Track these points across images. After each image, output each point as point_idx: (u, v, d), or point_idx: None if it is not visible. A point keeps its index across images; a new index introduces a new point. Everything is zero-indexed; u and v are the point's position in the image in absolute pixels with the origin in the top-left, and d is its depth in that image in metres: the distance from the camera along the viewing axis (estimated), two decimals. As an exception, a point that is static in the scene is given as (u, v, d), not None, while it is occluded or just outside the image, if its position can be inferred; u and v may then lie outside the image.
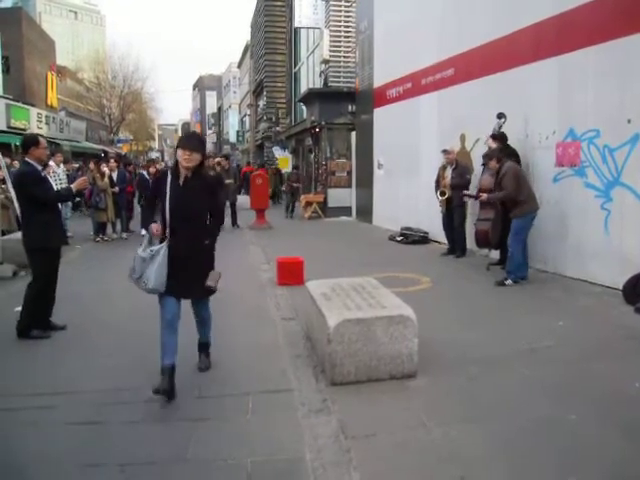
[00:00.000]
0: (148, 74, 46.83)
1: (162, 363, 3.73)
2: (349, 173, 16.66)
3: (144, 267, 3.79)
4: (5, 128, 20.55)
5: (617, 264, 6.29)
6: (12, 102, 22.14)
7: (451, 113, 10.02)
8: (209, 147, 73.35)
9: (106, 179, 11.67)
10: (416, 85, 11.45)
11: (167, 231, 3.83)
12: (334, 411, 3.45)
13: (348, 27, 18.48)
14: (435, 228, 10.35)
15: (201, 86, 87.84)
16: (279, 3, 29.08)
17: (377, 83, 13.80)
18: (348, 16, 18.51)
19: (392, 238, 11.17)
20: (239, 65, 52.32)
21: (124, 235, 12.44)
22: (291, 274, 7.05)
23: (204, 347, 4.32)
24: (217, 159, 16.29)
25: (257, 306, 6.22)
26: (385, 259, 9.05)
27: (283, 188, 20.12)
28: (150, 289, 3.79)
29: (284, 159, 25.30)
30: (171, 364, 3.74)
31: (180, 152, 3.80)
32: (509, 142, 7.72)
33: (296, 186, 17.77)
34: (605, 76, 6.49)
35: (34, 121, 23.48)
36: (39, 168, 5.14)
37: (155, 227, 3.85)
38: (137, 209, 13.55)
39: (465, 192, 7.68)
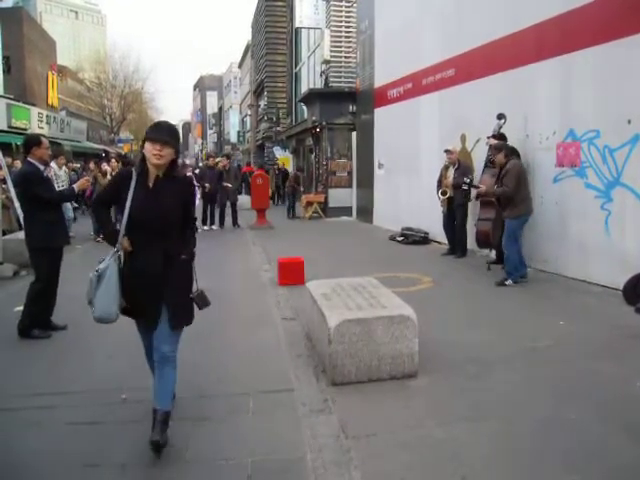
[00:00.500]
0: (149, 74, 46.92)
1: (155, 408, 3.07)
2: (350, 173, 16.68)
3: (91, 291, 3.14)
4: (6, 128, 20.56)
5: (617, 264, 6.29)
6: (13, 102, 22.15)
7: (452, 113, 10.03)
8: (210, 147, 73.48)
9: (108, 176, 11.67)
10: (417, 85, 11.45)
11: (119, 244, 3.13)
12: (335, 411, 3.46)
13: (349, 27, 18.50)
14: (435, 228, 10.35)
15: (202, 86, 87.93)
16: (280, 3, 29.09)
17: (378, 83, 13.81)
18: (349, 16, 18.53)
19: (393, 238, 11.18)
20: (240, 65, 52.33)
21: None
22: (292, 274, 7.05)
23: (161, 415, 3.04)
24: (218, 159, 16.32)
25: (258, 306, 6.22)
26: (386, 259, 9.06)
27: (285, 188, 20.13)
28: (96, 318, 3.17)
29: (285, 159, 25.32)
30: (166, 412, 3.07)
31: (149, 146, 3.02)
32: (509, 142, 7.72)
33: (296, 187, 17.81)
34: (605, 77, 6.50)
35: (35, 121, 23.49)
36: (41, 168, 5.15)
37: (127, 242, 3.12)
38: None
39: (466, 180, 7.60)
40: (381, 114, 13.69)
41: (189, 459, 2.96)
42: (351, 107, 16.41)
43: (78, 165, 20.33)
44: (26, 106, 23.28)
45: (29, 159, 5.10)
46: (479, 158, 8.77)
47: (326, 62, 19.23)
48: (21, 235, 6.12)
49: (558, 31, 7.25)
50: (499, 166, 6.94)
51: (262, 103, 34.22)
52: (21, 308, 5.15)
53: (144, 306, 3.14)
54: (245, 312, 6.02)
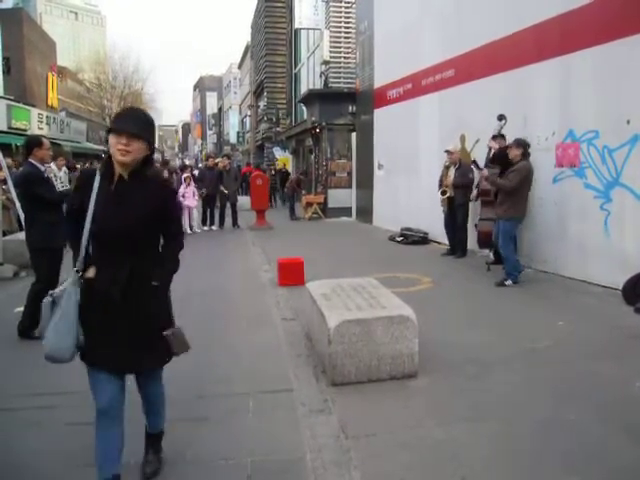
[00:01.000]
0: (148, 75, 46.94)
1: (100, 475, 2.57)
2: (349, 174, 16.68)
3: (44, 321, 2.49)
4: (6, 129, 20.57)
5: (617, 264, 6.30)
6: (13, 103, 22.16)
7: (451, 114, 10.03)
8: (209, 147, 73.50)
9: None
10: (416, 86, 11.46)
11: (80, 263, 2.51)
12: (334, 411, 3.46)
13: (348, 28, 18.51)
14: (435, 228, 10.35)
15: (202, 87, 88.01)
16: (279, 4, 29.11)
17: (377, 84, 13.81)
18: (348, 17, 18.53)
19: (392, 238, 11.19)
20: (239, 66, 52.37)
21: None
22: (292, 274, 7.06)
23: (153, 440, 2.92)
24: (217, 159, 16.33)
25: (258, 306, 6.23)
26: (385, 259, 9.06)
27: (285, 189, 20.13)
28: (46, 355, 2.50)
29: (284, 160, 25.32)
30: (115, 475, 2.58)
31: (112, 139, 2.43)
32: (509, 143, 7.73)
33: (297, 189, 17.83)
34: (604, 77, 6.51)
35: (35, 122, 23.51)
36: (42, 169, 5.16)
37: (93, 271, 2.51)
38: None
39: (475, 161, 7.53)
40: (381, 115, 13.70)
41: (189, 459, 2.96)
42: (351, 108, 16.41)
43: (78, 166, 20.32)
44: (26, 107, 23.30)
45: (30, 160, 5.11)
46: (479, 158, 8.75)
47: (326, 63, 19.24)
48: (21, 236, 6.13)
49: (557, 32, 7.26)
50: (511, 161, 6.89)
51: (262, 104, 34.23)
52: (21, 309, 5.15)
53: (103, 345, 2.50)
54: (245, 312, 6.02)
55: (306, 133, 20.07)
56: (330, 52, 18.97)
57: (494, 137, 7.79)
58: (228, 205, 14.54)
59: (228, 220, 14.40)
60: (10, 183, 8.12)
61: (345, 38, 18.76)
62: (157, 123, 71.93)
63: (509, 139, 7.70)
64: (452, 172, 9.00)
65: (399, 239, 10.95)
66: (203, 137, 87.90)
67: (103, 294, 2.47)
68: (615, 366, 4.11)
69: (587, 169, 6.82)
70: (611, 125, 6.43)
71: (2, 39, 23.31)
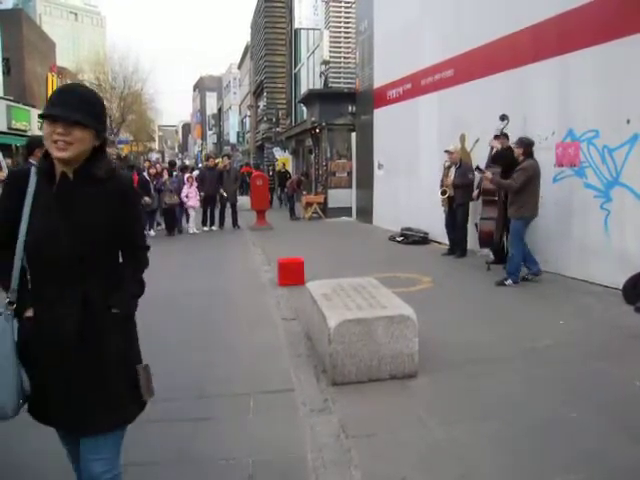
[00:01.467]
0: (148, 75, 46.92)
1: None
2: (349, 174, 16.68)
3: None
4: (6, 129, 20.59)
5: (617, 263, 6.30)
6: (13, 103, 22.18)
7: (451, 113, 10.04)
8: (209, 148, 73.49)
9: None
10: (416, 86, 11.46)
11: (12, 293, 1.91)
12: (335, 411, 3.46)
13: (348, 28, 18.50)
14: (435, 228, 10.35)
15: (201, 87, 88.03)
16: (279, 4, 29.12)
17: (377, 84, 13.82)
18: (348, 17, 18.53)
19: (392, 238, 11.19)
20: (239, 66, 52.39)
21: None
22: (292, 274, 7.06)
23: None
24: (218, 159, 16.33)
25: (258, 306, 6.23)
26: (385, 259, 9.06)
27: (285, 189, 20.12)
28: None
29: (284, 160, 25.32)
30: None
31: (47, 129, 1.85)
32: (509, 142, 7.74)
33: (297, 189, 17.85)
34: (604, 77, 6.50)
35: (35, 122, 23.51)
36: None
37: (31, 311, 1.94)
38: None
39: (478, 166, 7.51)
40: (380, 115, 13.70)
41: (190, 459, 2.97)
42: (350, 108, 16.42)
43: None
44: (26, 107, 23.32)
45: (31, 161, 5.11)
46: (479, 158, 8.77)
47: (325, 63, 19.24)
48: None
49: (557, 31, 7.26)
50: (516, 160, 6.85)
51: (261, 104, 34.25)
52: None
53: (56, 397, 1.95)
54: (245, 312, 6.03)
55: (306, 133, 20.08)
56: (330, 52, 18.97)
57: (496, 136, 7.79)
58: (228, 205, 14.55)
59: (228, 220, 14.41)
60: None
61: (345, 38, 18.76)
62: (157, 123, 72.07)
63: (510, 138, 7.72)
64: (452, 172, 9.01)
65: (399, 239, 10.96)
66: (203, 137, 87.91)
67: (51, 336, 1.88)
68: (615, 365, 4.12)
69: (587, 168, 6.83)
70: (611, 124, 6.43)
71: (2, 40, 23.34)
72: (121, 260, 2.08)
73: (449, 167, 9.12)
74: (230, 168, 15.13)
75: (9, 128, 20.85)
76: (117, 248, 2.05)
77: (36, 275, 1.94)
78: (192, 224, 13.60)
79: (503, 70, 8.37)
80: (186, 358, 4.54)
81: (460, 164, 8.92)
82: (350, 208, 16.40)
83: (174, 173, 14.93)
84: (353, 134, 16.20)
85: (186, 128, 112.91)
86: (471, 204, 8.81)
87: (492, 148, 7.88)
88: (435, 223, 10.21)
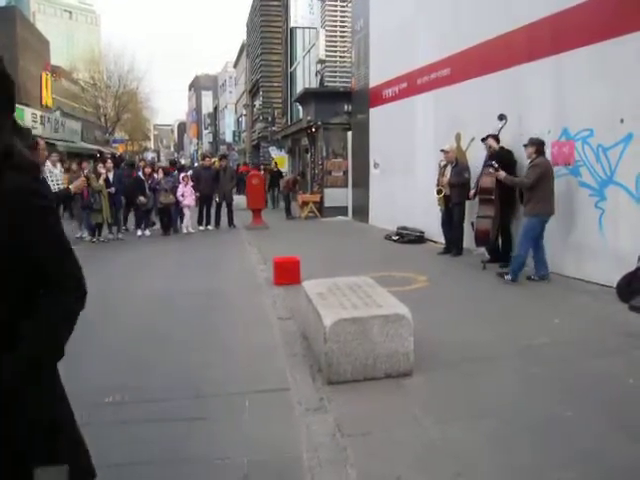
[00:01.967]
0: (144, 74, 46.69)
1: None
2: (345, 173, 16.68)
3: None
4: (0, 128, 20.47)
5: (612, 262, 6.31)
6: (7, 102, 22.04)
7: (447, 113, 10.05)
8: (205, 147, 73.33)
9: (101, 180, 11.65)
10: (412, 85, 11.47)
11: None
12: (330, 410, 3.47)
13: (344, 27, 18.51)
14: (431, 227, 10.37)
15: (197, 86, 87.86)
16: (275, 3, 29.09)
17: (373, 83, 13.82)
18: (344, 16, 18.53)
19: (388, 237, 11.20)
20: (235, 65, 52.33)
21: (120, 236, 12.44)
22: (288, 274, 7.06)
23: None
24: (214, 159, 16.30)
25: (254, 306, 6.23)
26: (381, 258, 9.07)
27: (281, 189, 20.10)
28: None
29: (280, 159, 25.30)
30: None
31: None
32: (504, 142, 7.76)
33: (292, 189, 17.85)
34: (599, 76, 6.53)
35: (29, 121, 23.43)
36: None
37: None
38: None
39: (491, 163, 7.38)
40: (376, 114, 13.71)
41: (185, 458, 2.96)
42: (346, 107, 16.42)
43: (73, 166, 20.25)
44: (20, 106, 23.17)
45: None
46: (474, 157, 8.79)
47: (321, 62, 19.23)
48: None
49: (552, 31, 7.27)
50: (528, 159, 6.85)
51: (257, 103, 34.22)
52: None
53: None
54: (241, 312, 6.03)
55: (302, 132, 20.07)
56: (326, 51, 18.96)
57: (492, 136, 7.80)
58: (224, 205, 14.53)
59: (224, 219, 14.40)
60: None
61: (341, 37, 18.76)
62: (152, 122, 71.90)
63: (505, 137, 7.75)
64: (449, 171, 9.02)
65: (395, 238, 10.97)
66: (199, 136, 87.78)
67: None
68: (610, 363, 4.14)
69: (582, 167, 6.85)
70: (605, 124, 6.45)
71: (-4, 38, 23.21)
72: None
73: (445, 166, 9.13)
74: (226, 167, 15.11)
75: (3, 127, 20.74)
76: (20, 281, 1.40)
77: None
78: (187, 223, 13.57)
79: (499, 69, 8.39)
80: (182, 358, 4.54)
81: (456, 163, 8.93)
82: (346, 207, 16.40)
83: (174, 173, 14.90)
84: (349, 133, 16.21)
85: (182, 127, 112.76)
86: (467, 203, 8.82)
87: (489, 147, 7.89)
88: (431, 222, 10.23)
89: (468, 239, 8.77)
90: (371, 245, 10.84)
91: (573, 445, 2.97)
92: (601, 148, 6.54)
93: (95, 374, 4.21)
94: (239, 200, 16.82)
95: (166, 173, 14.06)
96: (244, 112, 43.84)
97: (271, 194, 21.19)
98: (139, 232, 13.04)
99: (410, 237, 10.74)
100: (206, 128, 78.30)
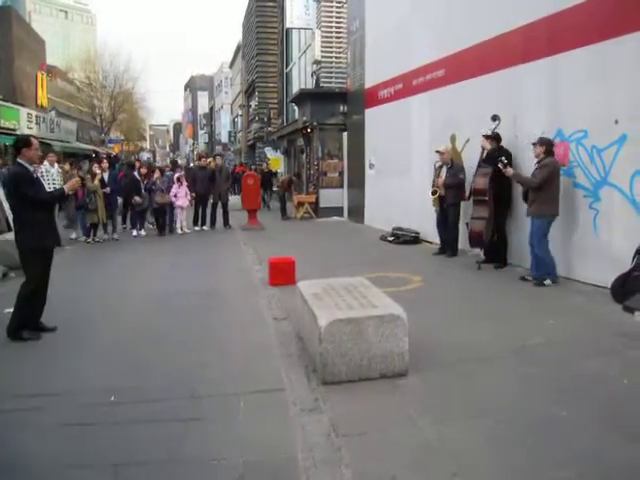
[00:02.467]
0: (139, 74, 46.65)
1: None
2: (341, 173, 16.69)
3: None
4: (-6, 128, 20.41)
5: (606, 263, 6.35)
6: (2, 102, 21.98)
7: (442, 113, 10.07)
8: (201, 147, 73.25)
9: (96, 181, 11.61)
10: (407, 86, 11.49)
11: None
12: (325, 410, 3.47)
13: (340, 27, 18.53)
14: (426, 228, 10.39)
15: (193, 86, 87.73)
16: (270, 4, 29.10)
17: (368, 84, 13.84)
18: (340, 16, 18.55)
19: (384, 238, 11.21)
20: (231, 65, 52.28)
21: (115, 236, 12.41)
22: (283, 274, 7.06)
23: None
24: (209, 159, 16.29)
25: (249, 306, 6.23)
26: (376, 259, 9.08)
27: (275, 188, 20.08)
28: None
29: (276, 159, 25.29)
30: None
31: None
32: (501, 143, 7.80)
33: (287, 189, 17.84)
34: (593, 77, 6.55)
35: (24, 121, 23.33)
36: (31, 169, 5.13)
37: None
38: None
39: (502, 159, 7.15)
40: (372, 114, 13.72)
41: (180, 459, 2.96)
42: (342, 107, 16.43)
43: (67, 166, 20.17)
44: (15, 106, 23.12)
45: (19, 160, 5.08)
46: (469, 158, 8.82)
47: (317, 62, 19.25)
48: (10, 236, 6.09)
49: (547, 32, 7.30)
50: (537, 159, 6.77)
51: (253, 103, 34.19)
52: (11, 310, 5.12)
53: None
54: (236, 312, 6.02)
55: (297, 133, 20.06)
56: (321, 52, 18.98)
57: (487, 137, 7.82)
58: (220, 205, 14.52)
59: (220, 220, 14.38)
60: (-1, 183, 8.06)
61: (336, 38, 18.78)
62: (148, 123, 71.71)
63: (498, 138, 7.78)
64: (444, 172, 9.04)
65: (390, 239, 10.98)
66: (194, 137, 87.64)
67: None
68: (605, 363, 4.15)
69: (576, 168, 6.88)
70: (600, 125, 6.48)
71: (-10, 38, 23.11)
72: None
73: (440, 167, 9.15)
74: (222, 167, 15.09)
75: (-2, 127, 20.68)
76: None
77: None
78: (180, 224, 13.54)
79: (494, 70, 8.41)
80: (177, 358, 4.54)
81: (451, 164, 8.95)
82: (341, 208, 16.41)
83: (169, 173, 14.89)
84: (344, 134, 16.22)
85: (177, 127, 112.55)
86: (462, 204, 8.85)
87: (483, 149, 7.92)
88: (426, 223, 10.25)
89: (463, 240, 8.79)
90: (366, 246, 10.85)
91: (569, 445, 2.98)
92: (595, 149, 6.57)
93: (91, 375, 4.20)
94: (233, 200, 16.80)
95: (162, 173, 14.05)
96: (240, 112, 43.81)
97: (262, 195, 21.17)
98: (134, 232, 13.02)
99: (405, 238, 10.75)
100: (202, 128, 78.17)
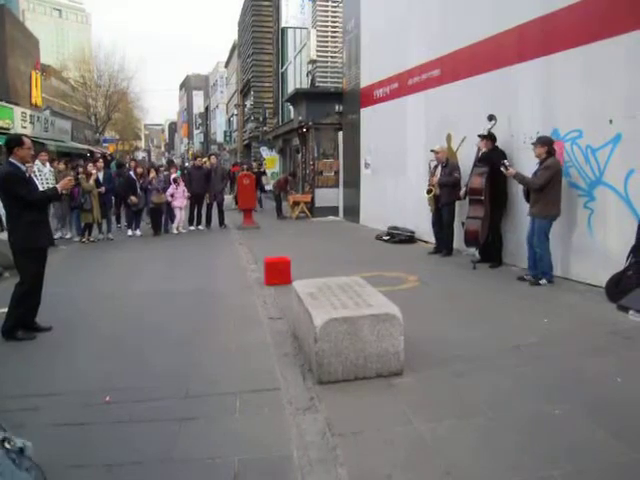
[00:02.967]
0: (134, 73, 46.49)
1: None
2: (336, 173, 16.70)
3: None
4: (-12, 128, 20.30)
5: (600, 262, 6.38)
6: (-5, 101, 21.87)
7: (437, 113, 10.09)
8: (196, 147, 73.15)
9: (92, 181, 11.58)
10: (402, 85, 11.51)
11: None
12: (321, 409, 3.47)
13: (335, 27, 18.50)
14: (422, 227, 10.41)
15: (188, 86, 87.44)
16: (266, 3, 29.04)
17: (364, 83, 13.85)
18: (335, 16, 18.53)
19: (379, 237, 11.22)
20: (226, 65, 52.16)
21: (110, 236, 12.38)
22: (278, 274, 7.06)
23: None
24: (204, 159, 16.26)
25: (244, 306, 6.22)
26: (372, 258, 9.09)
27: (271, 188, 20.03)
28: None
29: (272, 159, 25.28)
30: None
31: None
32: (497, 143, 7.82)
33: (284, 187, 17.83)
34: (588, 77, 6.58)
35: (18, 120, 23.20)
36: (23, 168, 5.10)
37: None
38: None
39: (504, 162, 7.10)
40: (367, 114, 13.73)
41: (176, 458, 2.96)
42: (337, 107, 16.43)
43: (61, 165, 20.08)
44: (9, 105, 22.99)
45: (10, 159, 5.06)
46: (465, 157, 8.84)
47: (312, 62, 19.22)
48: (4, 236, 6.06)
49: (542, 32, 7.32)
50: (538, 160, 6.74)
51: (249, 103, 34.14)
52: (5, 310, 5.10)
53: None
54: (232, 312, 6.01)
55: (293, 132, 20.05)
56: (317, 51, 18.94)
57: (482, 137, 7.83)
58: (215, 204, 14.49)
59: (215, 220, 14.37)
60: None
61: (332, 37, 18.75)
62: (143, 122, 71.52)
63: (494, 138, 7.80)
64: (439, 171, 9.06)
65: (386, 238, 11.00)
66: (190, 136, 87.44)
67: None
68: (598, 362, 4.18)
69: (571, 168, 6.90)
70: (594, 125, 6.50)
71: (-16, 37, 22.98)
72: None
73: (436, 167, 9.17)
74: (217, 166, 15.07)
75: (-9, 126, 20.57)
76: None
77: None
78: (177, 224, 13.51)
79: (489, 70, 8.43)
80: (172, 358, 4.53)
81: (446, 163, 8.97)
82: (337, 207, 16.43)
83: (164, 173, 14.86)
84: (340, 133, 16.23)
85: (172, 127, 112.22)
86: (457, 203, 8.87)
87: (478, 149, 7.93)
88: (421, 222, 10.27)
89: (458, 239, 8.81)
90: (362, 245, 10.86)
91: (562, 443, 2.99)
92: (590, 149, 6.59)
93: (86, 374, 4.20)
94: (227, 201, 16.76)
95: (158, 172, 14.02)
96: (235, 112, 43.69)
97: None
98: (129, 232, 12.99)
99: (401, 237, 10.77)
100: (197, 128, 77.97)
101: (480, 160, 7.82)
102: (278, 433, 3.20)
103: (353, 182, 14.82)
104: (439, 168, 9.07)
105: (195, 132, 79.67)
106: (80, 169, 12.39)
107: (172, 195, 13.16)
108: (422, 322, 5.08)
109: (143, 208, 13.29)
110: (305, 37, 20.85)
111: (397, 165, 11.85)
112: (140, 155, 57.35)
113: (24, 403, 3.68)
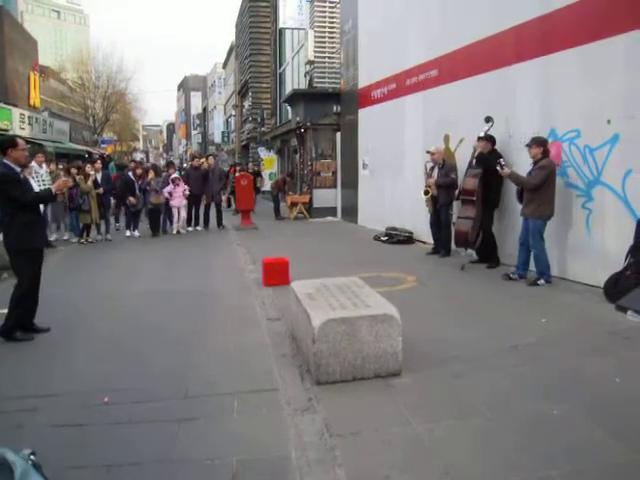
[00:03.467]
0: (132, 74, 46.48)
1: None
2: (334, 173, 16.71)
3: None
4: (-14, 129, 20.27)
5: (599, 262, 6.39)
6: (-6, 103, 21.84)
7: (435, 113, 10.10)
8: (194, 147, 73.13)
9: (90, 182, 11.56)
10: (400, 86, 11.51)
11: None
12: (319, 410, 3.47)
13: (333, 28, 18.53)
14: (420, 228, 10.41)
15: (186, 87, 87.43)
16: (264, 4, 29.04)
17: (362, 84, 13.86)
18: (333, 17, 18.55)
19: (377, 238, 11.22)
20: (224, 66, 52.15)
21: (108, 237, 12.36)
22: (277, 274, 7.06)
23: None
24: (202, 159, 16.26)
25: (243, 306, 6.22)
26: (370, 259, 9.09)
27: (269, 188, 20.02)
28: None
29: (269, 160, 25.27)
30: None
31: None
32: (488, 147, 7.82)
33: (282, 188, 17.81)
34: (586, 77, 6.59)
35: (16, 121, 23.18)
36: (17, 170, 5.09)
37: None
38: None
39: (500, 161, 7.14)
40: (365, 114, 13.74)
41: (175, 459, 2.96)
42: (335, 108, 16.43)
43: (60, 166, 20.06)
44: (7, 107, 22.96)
45: (4, 161, 5.05)
46: (463, 158, 8.84)
47: (310, 63, 19.25)
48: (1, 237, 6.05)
49: (540, 32, 7.33)
50: (533, 160, 6.75)
51: (246, 104, 34.11)
52: (4, 311, 5.10)
53: None
54: (230, 312, 6.01)
55: (291, 133, 20.05)
56: (315, 52, 18.97)
57: (479, 138, 7.83)
58: (213, 205, 14.49)
59: (213, 220, 14.36)
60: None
61: (329, 38, 18.77)
62: (141, 123, 71.50)
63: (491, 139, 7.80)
64: (436, 172, 9.06)
65: (384, 238, 11.00)
66: (188, 137, 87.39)
67: None
68: (597, 362, 4.18)
69: (569, 168, 6.91)
70: (592, 125, 6.51)
71: (-18, 38, 22.94)
72: None
73: (432, 168, 9.17)
74: (215, 167, 15.07)
75: (-10, 127, 20.54)
76: None
77: None
78: (176, 225, 13.49)
79: (487, 70, 8.44)
80: (171, 358, 4.53)
81: (443, 164, 8.97)
82: (335, 208, 16.43)
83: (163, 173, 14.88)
84: (338, 134, 16.23)
85: (170, 128, 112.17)
86: (455, 204, 8.87)
87: (474, 149, 7.94)
88: (420, 223, 10.28)
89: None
90: (360, 245, 10.86)
91: (560, 443, 2.99)
92: (588, 149, 6.60)
93: (85, 375, 4.19)
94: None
95: (157, 174, 14.02)
96: (233, 113, 43.70)
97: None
98: (128, 233, 12.97)
99: (399, 237, 10.77)
100: (195, 129, 77.92)
101: (476, 162, 7.82)
102: (276, 434, 3.20)
103: (351, 183, 14.82)
104: (436, 169, 9.07)
105: (193, 133, 79.62)
106: (74, 170, 12.34)
107: (170, 194, 13.13)
108: (420, 322, 5.08)
109: (142, 209, 13.28)
110: (303, 38, 20.87)
111: (395, 165, 11.85)
112: (138, 156, 57.29)
113: (22, 404, 3.68)
